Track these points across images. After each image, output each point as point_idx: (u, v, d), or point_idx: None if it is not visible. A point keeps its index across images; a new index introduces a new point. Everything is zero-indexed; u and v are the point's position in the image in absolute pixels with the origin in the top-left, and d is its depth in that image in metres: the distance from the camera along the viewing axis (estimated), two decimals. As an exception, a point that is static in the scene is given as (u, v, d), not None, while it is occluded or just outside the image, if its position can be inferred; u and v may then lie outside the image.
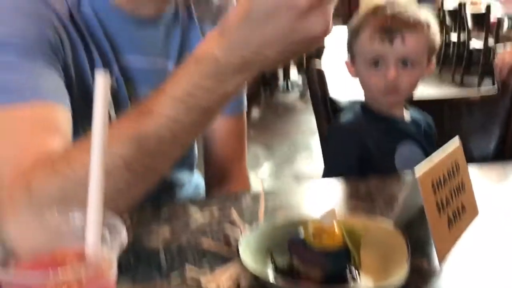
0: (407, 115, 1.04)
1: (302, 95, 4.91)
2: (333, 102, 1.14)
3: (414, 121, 1.04)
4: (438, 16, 6.24)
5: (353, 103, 1.11)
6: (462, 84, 5.27)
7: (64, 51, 0.68)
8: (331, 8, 0.47)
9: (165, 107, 0.52)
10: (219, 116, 0.88)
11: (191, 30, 0.84)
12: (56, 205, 0.50)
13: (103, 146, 0.37)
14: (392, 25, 0.95)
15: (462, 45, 5.67)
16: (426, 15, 0.99)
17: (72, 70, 0.69)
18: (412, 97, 1.07)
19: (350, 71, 1.04)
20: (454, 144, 0.60)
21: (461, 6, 5.61)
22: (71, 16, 0.70)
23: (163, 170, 0.57)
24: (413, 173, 0.50)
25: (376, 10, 0.98)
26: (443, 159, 0.56)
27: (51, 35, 0.65)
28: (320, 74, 1.14)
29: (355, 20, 1.02)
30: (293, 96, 4.93)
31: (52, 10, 0.67)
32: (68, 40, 0.69)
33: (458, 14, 5.71)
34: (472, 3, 5.70)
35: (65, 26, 0.68)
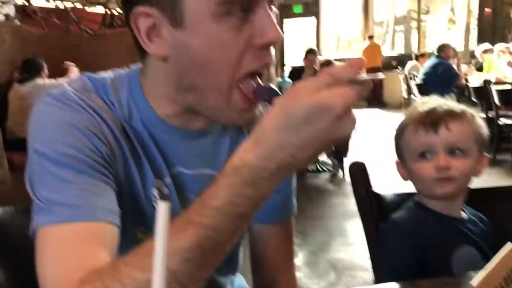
0: (463, 213, 0.99)
1: (333, 176, 4.86)
2: (377, 196, 1.11)
3: (471, 220, 0.99)
4: (464, 94, 6.28)
5: (399, 196, 1.08)
6: (494, 162, 5.17)
7: (116, 163, 0.69)
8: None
9: (206, 218, 0.52)
10: (268, 225, 0.87)
11: (239, 139, 0.83)
12: None
13: (164, 271, 0.38)
14: (435, 115, 0.95)
15: (491, 122, 5.63)
16: (471, 111, 0.98)
17: (122, 180, 0.70)
18: (466, 192, 1.02)
19: (400, 173, 1.02)
20: (508, 249, 0.57)
21: (486, 83, 5.64)
22: (123, 128, 0.71)
23: (206, 277, 0.56)
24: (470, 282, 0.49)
25: (417, 106, 0.99)
26: (499, 267, 0.54)
27: (104, 149, 0.66)
28: (362, 168, 1.12)
29: (400, 122, 1.02)
30: (323, 177, 4.89)
31: (105, 124, 0.68)
32: (120, 152, 0.70)
33: (484, 91, 5.73)
34: (497, 80, 5.73)
35: (117, 139, 0.69)
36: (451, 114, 0.94)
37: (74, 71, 4.18)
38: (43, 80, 3.92)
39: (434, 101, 0.98)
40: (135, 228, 0.73)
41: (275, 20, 0.64)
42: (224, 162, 0.80)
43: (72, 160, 0.63)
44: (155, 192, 0.73)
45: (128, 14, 0.67)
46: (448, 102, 0.98)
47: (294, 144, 0.50)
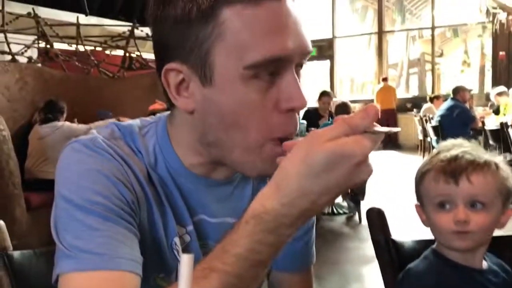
0: (485, 262, 0.96)
1: (348, 219, 4.80)
2: (396, 243, 1.09)
3: (492, 270, 0.96)
4: (481, 136, 6.24)
5: (418, 243, 1.05)
6: (514, 205, 5.07)
7: (140, 210, 0.69)
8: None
9: (228, 265, 0.53)
10: (288, 273, 0.87)
11: (261, 186, 0.82)
12: None
13: None
14: (457, 165, 0.91)
15: (509, 165, 5.56)
16: (494, 156, 0.94)
17: (146, 227, 0.70)
18: (488, 243, 0.99)
19: (420, 217, 0.99)
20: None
21: (503, 125, 5.61)
22: (149, 175, 0.72)
23: None
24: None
25: (440, 152, 0.96)
26: None
27: (130, 197, 0.67)
28: (380, 214, 1.11)
29: (421, 165, 1.00)
30: (339, 220, 4.83)
31: (132, 171, 0.69)
32: (145, 200, 0.70)
33: (500, 134, 5.70)
34: (514, 123, 5.70)
35: (143, 186, 0.70)
36: (473, 165, 0.90)
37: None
38: (62, 122, 3.99)
39: (458, 148, 0.95)
40: (156, 275, 0.73)
41: (301, 86, 0.65)
42: (246, 209, 0.82)
43: (99, 207, 0.64)
44: (177, 240, 0.73)
45: (160, 68, 0.68)
46: (473, 149, 0.94)
47: (315, 191, 0.51)
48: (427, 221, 0.98)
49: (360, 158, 0.51)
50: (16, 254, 0.93)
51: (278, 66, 0.64)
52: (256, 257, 0.53)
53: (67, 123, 4.03)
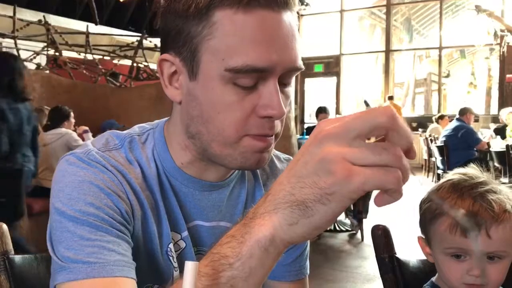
0: None
1: (351, 237, 4.77)
2: (400, 262, 1.08)
3: None
4: (486, 158, 6.21)
5: (423, 263, 1.04)
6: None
7: (134, 219, 0.70)
8: None
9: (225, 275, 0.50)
10: (281, 282, 0.86)
11: (256, 192, 0.84)
12: None
13: None
14: (475, 218, 0.85)
15: (515, 187, 5.53)
16: (509, 195, 0.89)
17: (140, 237, 0.71)
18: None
19: (423, 250, 0.95)
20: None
21: (509, 147, 5.59)
22: (146, 184, 0.73)
23: None
24: None
25: (455, 192, 0.88)
26: None
27: (123, 207, 0.68)
28: (385, 232, 1.09)
29: (430, 197, 0.93)
30: (341, 237, 4.80)
31: (127, 182, 0.70)
32: (141, 210, 0.71)
33: (506, 155, 5.67)
34: (519, 145, 5.68)
35: (137, 195, 0.71)
36: (493, 219, 0.85)
37: (88, 137, 4.29)
38: (66, 131, 4.01)
39: (472, 188, 0.87)
40: (150, 285, 0.73)
41: (279, 98, 0.66)
42: (240, 214, 0.81)
43: (90, 217, 0.64)
44: (172, 246, 0.74)
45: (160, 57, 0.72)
46: (490, 194, 0.87)
47: (284, 181, 0.48)
48: (431, 258, 0.94)
49: (321, 133, 0.46)
50: (17, 258, 0.93)
51: (260, 75, 0.65)
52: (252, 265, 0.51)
53: (70, 132, 4.04)
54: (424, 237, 0.95)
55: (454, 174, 0.93)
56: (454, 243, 0.86)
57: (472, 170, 0.93)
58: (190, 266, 0.39)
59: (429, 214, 0.92)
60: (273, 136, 0.70)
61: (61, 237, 0.65)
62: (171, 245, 0.74)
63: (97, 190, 0.66)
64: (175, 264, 0.74)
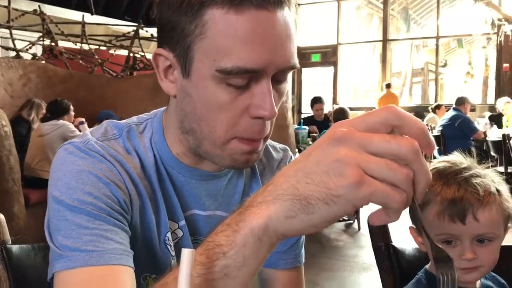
0: (478, 282, 0.94)
1: (347, 226, 4.79)
2: (396, 250, 1.08)
3: (486, 286, 0.94)
4: (483, 147, 6.23)
5: (419, 251, 1.04)
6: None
7: (133, 209, 0.70)
8: None
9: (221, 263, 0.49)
10: (277, 270, 0.87)
11: (253, 182, 0.85)
12: None
13: None
14: (462, 202, 0.86)
15: (510, 177, 5.55)
16: (493, 178, 0.91)
17: (139, 227, 0.72)
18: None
19: (415, 240, 0.95)
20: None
21: (505, 137, 5.60)
22: (144, 173, 0.73)
23: None
24: None
25: (440, 179, 0.90)
26: None
27: (122, 197, 0.68)
28: (381, 221, 1.10)
29: None
30: (337, 227, 4.82)
31: (125, 171, 0.71)
32: (139, 199, 0.71)
33: (502, 145, 5.69)
34: (516, 135, 5.69)
35: (136, 184, 0.71)
36: (479, 202, 0.86)
37: (84, 128, 4.29)
38: (63, 122, 4.00)
39: (458, 174, 0.89)
40: (148, 275, 0.74)
41: (272, 99, 0.66)
42: (237, 203, 0.82)
43: (88, 206, 0.65)
44: (169, 235, 0.75)
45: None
46: (472, 172, 0.89)
47: (290, 173, 0.47)
48: (424, 247, 0.95)
49: (339, 134, 0.44)
50: (15, 248, 0.93)
51: (252, 76, 0.65)
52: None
53: (67, 123, 4.03)
54: (414, 227, 0.95)
55: (439, 162, 0.95)
56: (443, 229, 0.88)
57: (456, 157, 0.94)
58: (186, 253, 0.40)
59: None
60: (262, 139, 0.71)
61: (59, 226, 0.65)
62: (169, 234, 0.74)
63: (95, 180, 0.67)
64: (173, 253, 0.75)
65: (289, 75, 0.72)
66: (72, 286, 0.62)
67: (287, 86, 0.73)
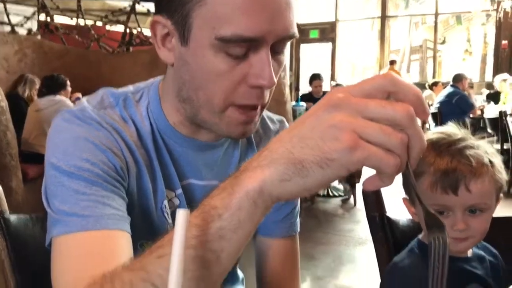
0: (469, 250, 0.95)
1: (344, 202, 4.83)
2: (390, 221, 1.09)
3: (478, 256, 0.95)
4: (479, 124, 6.24)
5: (413, 222, 1.05)
6: (509, 194, 5.10)
7: (129, 176, 0.71)
8: None
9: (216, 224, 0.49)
10: (272, 239, 0.88)
11: (249, 153, 0.86)
12: None
13: (180, 275, 0.39)
14: (454, 173, 0.86)
15: (506, 154, 5.57)
16: (487, 149, 0.91)
17: (135, 194, 0.73)
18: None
19: (409, 210, 0.96)
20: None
21: (502, 114, 5.61)
22: (141, 141, 0.74)
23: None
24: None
25: (433, 150, 0.90)
26: None
27: (118, 164, 0.69)
28: (376, 191, 1.11)
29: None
30: (334, 202, 4.86)
31: (122, 139, 0.71)
32: (136, 167, 0.72)
33: (499, 122, 5.70)
34: (512, 112, 5.70)
35: (132, 152, 0.72)
36: (471, 173, 0.86)
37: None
38: (60, 98, 3.98)
39: (451, 145, 0.89)
40: (144, 242, 0.75)
41: (271, 68, 0.65)
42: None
43: (86, 172, 0.66)
44: (166, 203, 0.76)
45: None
46: (465, 143, 0.90)
47: (286, 138, 0.47)
48: (417, 218, 0.96)
49: (335, 100, 0.45)
50: (13, 217, 0.94)
51: (251, 45, 0.65)
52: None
53: (65, 99, 4.01)
54: (408, 197, 0.96)
55: (434, 133, 0.95)
56: (436, 200, 0.88)
57: (450, 128, 0.94)
58: (181, 213, 0.40)
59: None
60: (260, 106, 0.71)
61: (56, 192, 0.66)
62: (165, 202, 0.75)
63: (92, 147, 0.67)
64: (170, 221, 0.76)
65: (287, 51, 0.71)
66: (70, 250, 0.63)
67: (286, 58, 0.72)
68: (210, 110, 0.70)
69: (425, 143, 0.45)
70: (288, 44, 0.71)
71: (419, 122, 0.46)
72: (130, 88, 0.80)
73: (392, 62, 10.29)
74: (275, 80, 0.67)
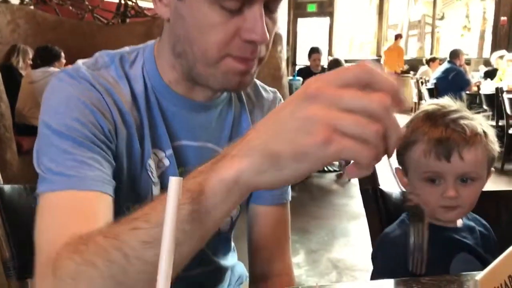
0: (459, 221, 0.97)
1: (338, 177, 4.86)
2: (383, 194, 1.10)
3: (468, 227, 0.97)
4: (475, 101, 6.24)
5: (405, 195, 1.06)
6: (502, 171, 5.14)
7: (118, 139, 0.72)
8: None
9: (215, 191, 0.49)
10: (262, 206, 0.90)
11: (243, 117, 0.87)
12: (77, 285, 0.51)
13: (172, 244, 0.39)
14: (448, 141, 0.88)
15: (501, 130, 5.59)
16: (481, 121, 0.92)
17: (124, 154, 0.74)
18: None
19: (400, 180, 0.96)
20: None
21: (498, 90, 5.60)
22: (133, 101, 0.75)
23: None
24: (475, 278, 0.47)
25: (428, 120, 0.91)
26: (505, 265, 0.53)
27: (107, 126, 0.70)
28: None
29: (405, 128, 0.94)
30: (328, 177, 4.89)
31: (112, 100, 0.72)
32: (124, 127, 0.73)
33: (495, 98, 5.69)
34: (509, 89, 5.69)
35: (123, 114, 0.73)
36: (465, 141, 0.88)
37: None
38: (54, 69, 3.94)
39: (446, 115, 0.91)
40: (131, 205, 0.75)
41: (263, 23, 0.66)
42: (227, 137, 0.84)
43: (74, 132, 0.67)
44: (151, 162, 0.77)
45: None
46: (460, 114, 0.91)
47: (261, 129, 0.48)
48: (409, 187, 0.96)
49: (311, 90, 0.44)
50: (7, 187, 0.94)
51: (244, 1, 0.65)
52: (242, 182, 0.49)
53: (59, 71, 3.97)
54: (401, 167, 0.97)
55: (429, 104, 0.96)
56: (429, 167, 0.90)
57: (446, 100, 0.96)
58: (174, 181, 0.41)
59: (403, 142, 0.93)
60: (256, 60, 0.71)
61: (46, 150, 0.68)
62: (150, 161, 0.76)
63: (82, 106, 0.69)
64: (155, 179, 0.77)
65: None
66: (53, 208, 0.65)
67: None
68: (205, 63, 0.71)
69: (401, 132, 0.46)
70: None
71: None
72: (126, 48, 0.81)
73: (398, 37, 10.14)
74: (268, 36, 0.68)
